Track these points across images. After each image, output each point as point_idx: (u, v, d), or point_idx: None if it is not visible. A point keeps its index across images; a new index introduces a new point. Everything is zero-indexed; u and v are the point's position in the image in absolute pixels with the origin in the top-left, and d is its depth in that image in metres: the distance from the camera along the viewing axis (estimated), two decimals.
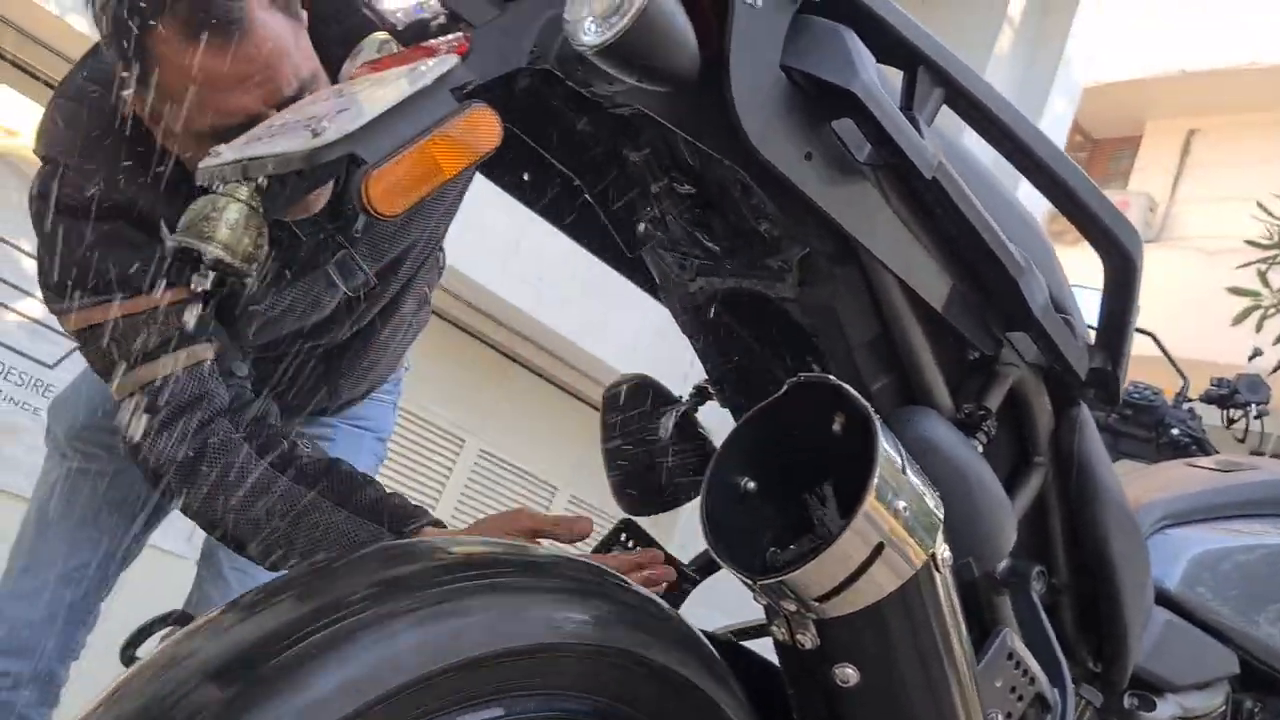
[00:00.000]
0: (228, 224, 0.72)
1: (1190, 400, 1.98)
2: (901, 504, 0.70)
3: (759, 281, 0.98)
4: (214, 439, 1.19)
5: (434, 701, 0.72)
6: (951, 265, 0.92)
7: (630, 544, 1.21)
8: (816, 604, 0.71)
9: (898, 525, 0.69)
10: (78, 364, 2.67)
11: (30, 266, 3.47)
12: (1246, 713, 1.39)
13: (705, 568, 1.18)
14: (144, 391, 1.19)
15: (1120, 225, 0.96)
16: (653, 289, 1.13)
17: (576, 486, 4.53)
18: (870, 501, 0.68)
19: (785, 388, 0.76)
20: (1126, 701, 1.23)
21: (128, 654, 0.87)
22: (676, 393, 1.21)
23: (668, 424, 1.16)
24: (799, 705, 0.79)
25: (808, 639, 0.73)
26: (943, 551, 0.73)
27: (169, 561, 2.75)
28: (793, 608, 0.72)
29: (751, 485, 0.78)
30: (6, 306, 3.65)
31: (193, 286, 0.73)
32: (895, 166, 0.84)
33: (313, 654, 0.69)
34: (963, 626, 0.79)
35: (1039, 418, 1.05)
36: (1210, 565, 1.36)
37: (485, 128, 0.72)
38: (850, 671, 0.73)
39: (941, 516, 0.74)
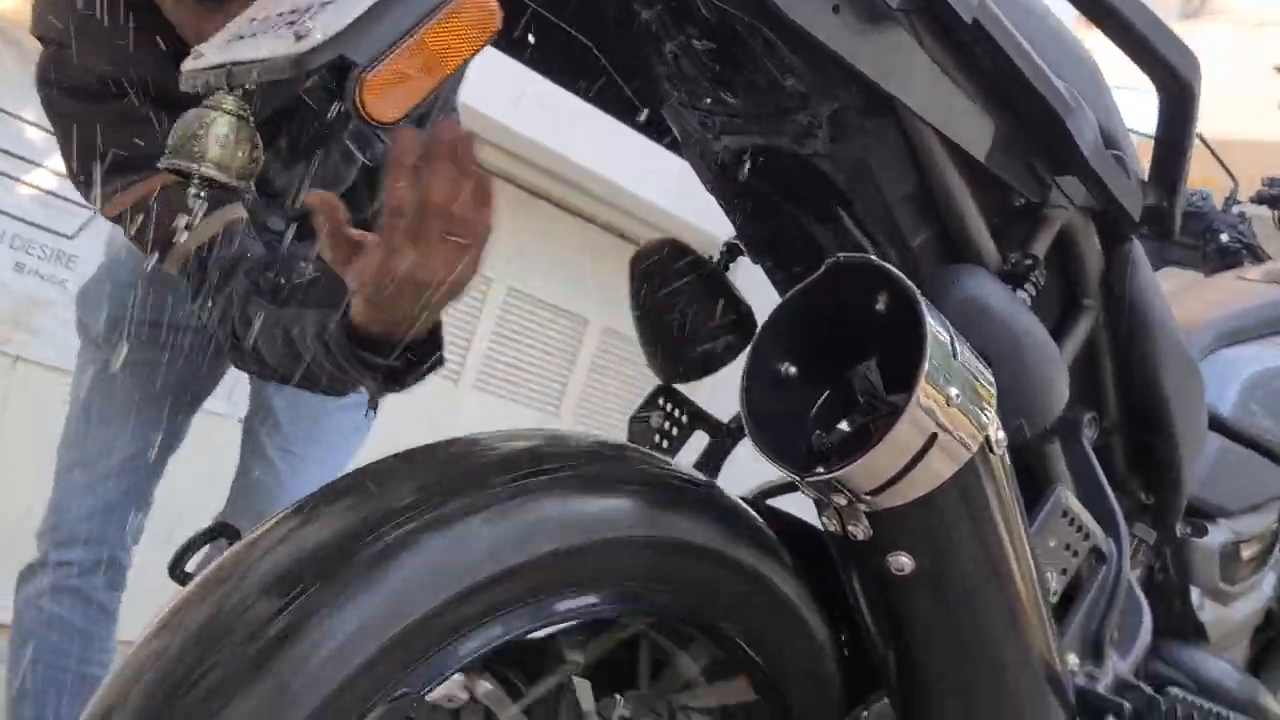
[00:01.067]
0: (217, 140, 0.67)
1: (1240, 203, 1.90)
2: (954, 390, 0.66)
3: (787, 139, 0.92)
4: (261, 283, 1.16)
5: (511, 595, 0.74)
6: (994, 109, 0.86)
7: (671, 409, 1.19)
8: (868, 497, 0.68)
9: (951, 411, 0.66)
10: (98, 233, 2.66)
11: (36, 137, 3.41)
12: None
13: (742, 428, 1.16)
14: (193, 257, 1.17)
15: (1175, 50, 0.89)
16: (674, 145, 1.07)
17: (609, 318, 4.51)
18: (921, 389, 0.65)
19: (824, 268, 0.71)
20: (1179, 530, 1.22)
21: (177, 571, 0.86)
22: (706, 254, 1.16)
23: (698, 286, 1.12)
24: (852, 592, 0.78)
25: (860, 530, 0.70)
26: (997, 432, 0.70)
27: (210, 421, 2.81)
28: (843, 501, 0.69)
29: (793, 370, 0.74)
30: (18, 179, 3.60)
31: (190, 207, 0.69)
32: (932, 10, 0.77)
33: (390, 552, 0.70)
34: (1018, 501, 0.76)
35: (1088, 258, 1.00)
36: (1263, 385, 1.33)
37: (485, 9, 0.65)
38: (905, 560, 0.71)
39: (994, 394, 0.70)
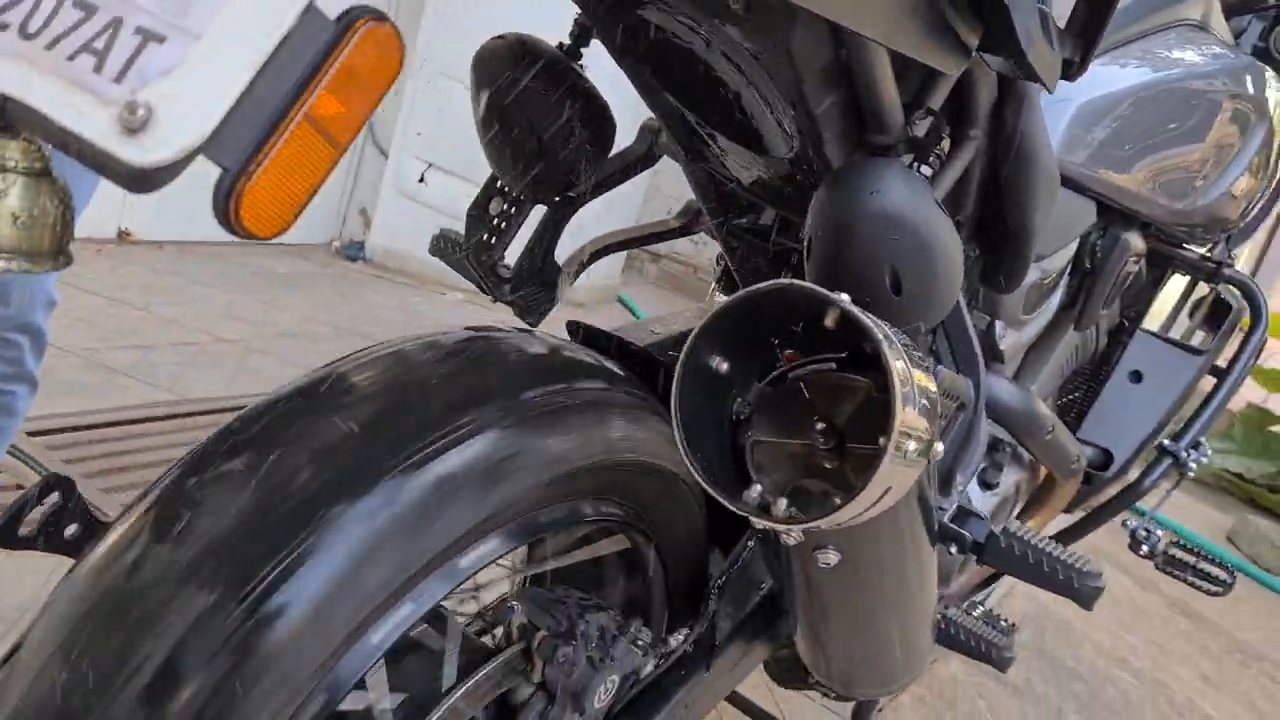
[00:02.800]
0: (13, 219, 0.48)
1: None
2: (911, 445, 0.63)
3: (700, 10, 0.77)
4: None
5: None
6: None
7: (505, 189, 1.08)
8: (808, 523, 0.67)
9: (906, 468, 0.63)
10: None
11: None
12: (1090, 245, 1.46)
13: None
14: None
15: None
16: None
17: None
18: (890, 454, 0.61)
19: (768, 286, 0.63)
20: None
21: (10, 534, 0.75)
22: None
23: (548, 86, 0.97)
24: (776, 576, 0.78)
25: (792, 538, 0.69)
26: (935, 455, 0.68)
27: None
28: (780, 525, 0.67)
29: (725, 367, 0.68)
30: None
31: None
32: None
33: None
34: (929, 480, 0.77)
35: (981, 94, 0.93)
36: (1077, 122, 1.32)
37: (384, 48, 0.48)
38: (833, 555, 0.72)
39: (938, 411, 0.68)
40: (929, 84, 0.87)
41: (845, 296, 0.64)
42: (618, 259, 5.14)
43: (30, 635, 0.69)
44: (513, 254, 1.14)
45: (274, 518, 0.67)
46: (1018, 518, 1.66)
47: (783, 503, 0.64)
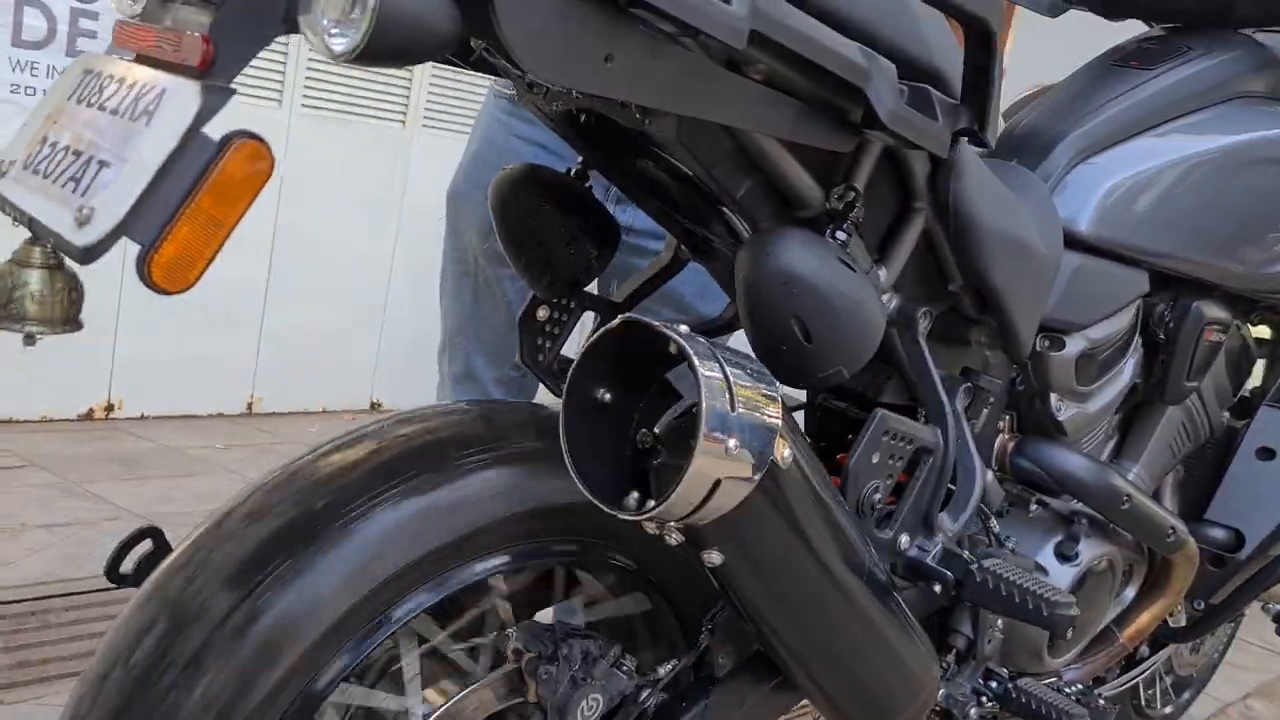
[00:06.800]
0: (34, 298, 0.72)
1: None
2: (732, 441, 0.75)
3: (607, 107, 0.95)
4: None
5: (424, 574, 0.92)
6: (794, 93, 0.88)
7: (557, 300, 1.27)
8: (673, 524, 0.79)
9: (730, 460, 0.75)
10: None
11: None
12: (1158, 315, 1.48)
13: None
14: None
15: None
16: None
17: None
18: (701, 447, 0.74)
19: (618, 320, 0.78)
20: (1038, 345, 1.33)
21: (114, 574, 0.99)
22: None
23: (560, 204, 1.17)
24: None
25: (673, 538, 0.82)
26: (784, 450, 0.80)
27: None
28: (654, 528, 0.80)
29: (608, 396, 0.83)
30: None
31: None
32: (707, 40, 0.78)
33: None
34: (814, 472, 0.87)
35: (915, 165, 1.04)
36: (1122, 194, 1.38)
37: (255, 159, 0.69)
38: (715, 555, 0.83)
39: (779, 411, 0.79)
40: (851, 163, 0.99)
41: (683, 328, 0.78)
42: None
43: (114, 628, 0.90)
44: None
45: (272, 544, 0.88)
46: (1137, 602, 1.63)
47: (633, 496, 0.77)
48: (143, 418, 3.55)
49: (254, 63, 0.74)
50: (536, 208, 1.16)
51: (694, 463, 0.74)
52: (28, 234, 0.73)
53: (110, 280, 3.34)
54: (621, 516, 0.78)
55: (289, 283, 3.73)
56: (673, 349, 0.76)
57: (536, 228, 1.16)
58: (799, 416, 1.26)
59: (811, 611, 0.93)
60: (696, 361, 0.74)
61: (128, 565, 1.00)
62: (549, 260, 1.17)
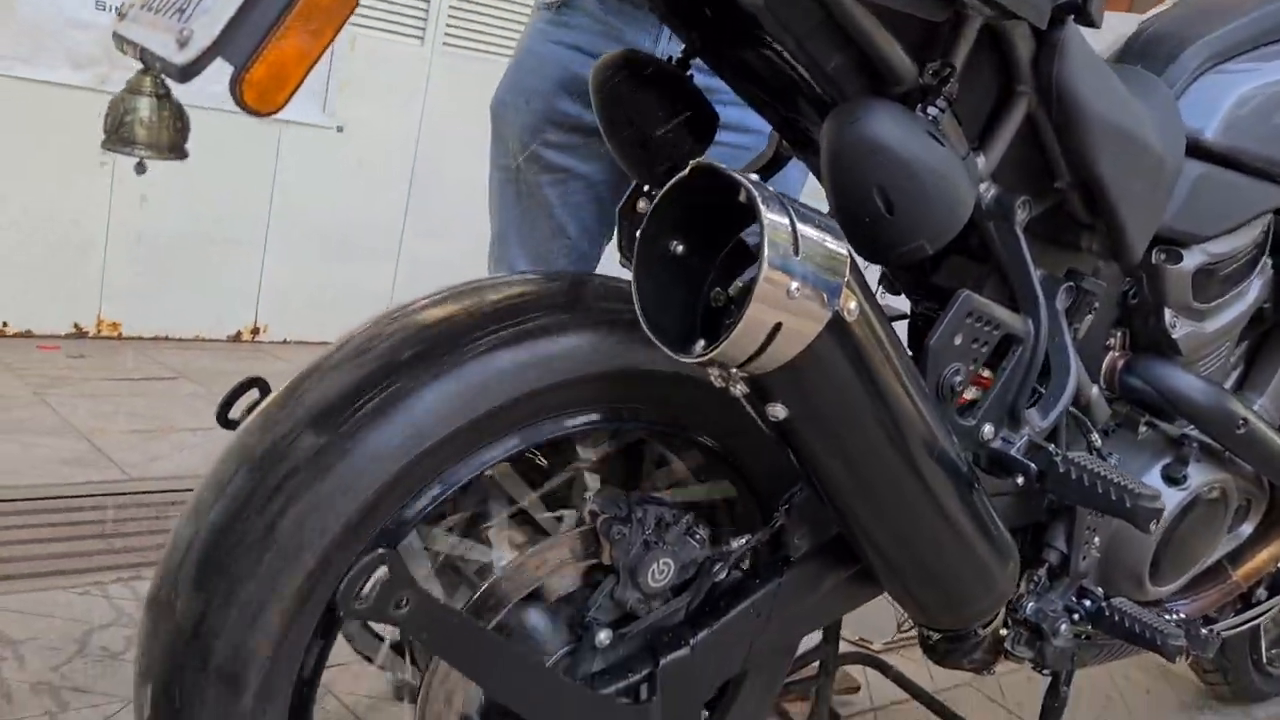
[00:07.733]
0: (142, 123, 0.77)
1: None
2: (794, 284, 0.75)
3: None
4: None
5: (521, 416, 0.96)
6: None
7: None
8: (736, 370, 0.80)
9: (792, 303, 0.76)
10: None
11: None
12: None
13: None
14: None
15: None
16: None
17: None
18: (762, 283, 0.75)
19: (688, 168, 0.79)
20: (1154, 258, 1.29)
21: (224, 419, 1.05)
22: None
23: (660, 92, 1.18)
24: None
25: (738, 390, 0.83)
26: (848, 302, 0.80)
27: None
28: (718, 371, 0.81)
29: (680, 248, 0.84)
30: None
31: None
32: None
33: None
34: (889, 346, 0.87)
35: (1018, 46, 1.02)
36: (1247, 103, 1.32)
37: None
38: (780, 409, 0.84)
39: (846, 264, 0.79)
40: (949, 39, 0.98)
41: (754, 176, 0.78)
42: None
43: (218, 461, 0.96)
44: None
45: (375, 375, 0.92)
46: (1255, 539, 1.57)
47: (700, 343, 0.79)
48: (285, 342, 3.72)
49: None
50: (635, 92, 1.17)
51: (753, 302, 0.74)
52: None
53: (259, 215, 3.51)
54: (684, 360, 0.79)
55: (426, 217, 3.84)
56: (742, 196, 0.77)
57: (635, 112, 1.17)
58: (901, 327, 1.25)
59: (881, 483, 0.93)
60: (762, 206, 0.75)
61: (236, 412, 1.06)
62: (645, 144, 1.19)
